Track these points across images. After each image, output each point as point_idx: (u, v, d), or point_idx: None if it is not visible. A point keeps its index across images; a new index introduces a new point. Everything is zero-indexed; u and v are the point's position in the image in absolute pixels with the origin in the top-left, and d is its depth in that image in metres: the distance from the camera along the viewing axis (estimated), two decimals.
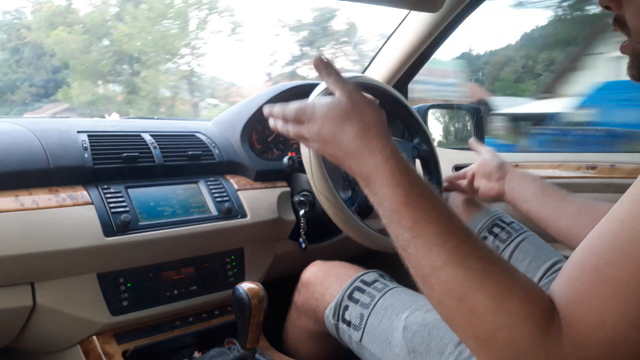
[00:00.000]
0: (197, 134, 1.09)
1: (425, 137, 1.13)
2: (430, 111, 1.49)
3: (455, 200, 1.10)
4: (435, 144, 1.17)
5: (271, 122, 0.73)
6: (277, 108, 0.70)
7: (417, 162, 1.13)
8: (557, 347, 0.39)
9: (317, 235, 1.15)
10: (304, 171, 0.92)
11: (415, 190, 0.51)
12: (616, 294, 0.37)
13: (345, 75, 1.01)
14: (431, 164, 1.12)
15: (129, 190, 0.90)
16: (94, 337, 0.85)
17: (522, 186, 0.95)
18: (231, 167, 1.07)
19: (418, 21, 1.30)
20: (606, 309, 0.37)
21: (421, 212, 0.49)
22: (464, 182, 1.09)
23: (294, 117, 0.66)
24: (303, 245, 1.06)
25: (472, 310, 0.42)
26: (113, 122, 1.10)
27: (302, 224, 1.04)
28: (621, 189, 0.42)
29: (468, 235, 0.47)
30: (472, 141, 1.12)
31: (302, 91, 1.12)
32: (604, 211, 0.41)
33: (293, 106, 0.66)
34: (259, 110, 1.14)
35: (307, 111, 0.64)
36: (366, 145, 0.56)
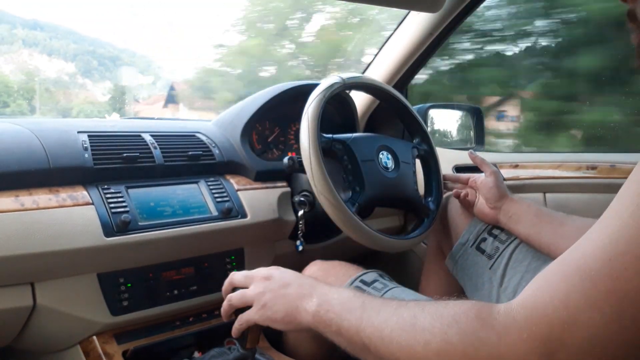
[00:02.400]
0: (197, 134, 1.09)
1: (425, 137, 1.13)
2: (431, 111, 1.49)
3: (455, 201, 1.10)
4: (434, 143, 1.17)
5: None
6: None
7: (417, 162, 1.13)
8: (507, 323, 0.43)
9: (317, 236, 1.15)
10: (304, 171, 0.92)
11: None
12: (584, 280, 0.40)
13: (346, 75, 1.01)
14: (431, 164, 1.12)
15: (129, 191, 0.90)
16: (94, 337, 0.85)
17: (519, 216, 0.95)
18: (231, 167, 1.07)
19: (418, 21, 1.30)
20: (571, 292, 0.41)
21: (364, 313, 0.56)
22: (462, 190, 1.08)
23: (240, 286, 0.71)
24: (300, 249, 1.06)
25: (423, 328, 0.49)
26: (113, 122, 1.10)
27: (300, 225, 1.04)
28: None
29: (398, 300, 0.57)
30: (475, 157, 1.08)
31: (301, 91, 1.12)
32: None
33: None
34: (259, 111, 1.14)
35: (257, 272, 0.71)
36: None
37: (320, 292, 0.63)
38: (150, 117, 1.37)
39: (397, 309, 0.53)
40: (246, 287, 0.70)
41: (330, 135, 0.98)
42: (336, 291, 0.62)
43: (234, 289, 0.72)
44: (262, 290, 0.68)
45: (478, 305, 0.47)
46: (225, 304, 0.72)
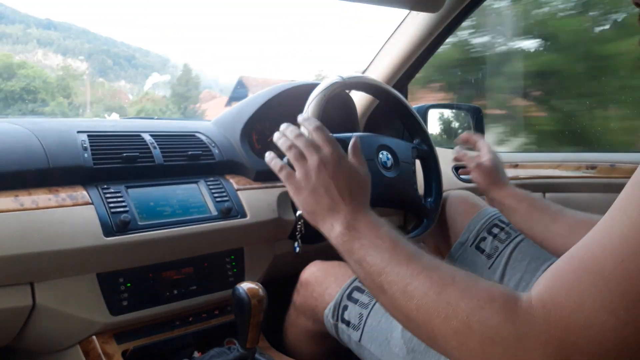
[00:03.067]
0: (196, 134, 1.09)
1: (425, 138, 1.13)
2: (430, 111, 1.49)
3: (454, 200, 1.10)
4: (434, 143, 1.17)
5: (275, 134, 0.76)
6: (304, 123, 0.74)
7: (417, 162, 1.13)
8: (527, 324, 0.42)
9: (316, 236, 1.15)
10: None
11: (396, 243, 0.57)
12: (598, 282, 0.39)
13: (347, 74, 1.01)
14: (431, 165, 1.12)
15: (129, 190, 0.90)
16: (94, 337, 0.85)
17: (512, 208, 0.95)
18: (231, 167, 1.07)
19: (418, 21, 1.30)
20: (586, 295, 0.40)
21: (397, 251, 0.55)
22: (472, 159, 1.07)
23: (310, 138, 0.70)
24: (297, 250, 1.06)
25: (448, 301, 0.47)
26: (113, 122, 1.10)
27: (299, 226, 1.03)
28: (621, 189, 0.44)
29: (433, 257, 0.55)
30: (467, 136, 1.08)
31: (301, 92, 1.12)
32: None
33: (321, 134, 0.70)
34: (259, 110, 1.14)
35: (332, 142, 0.69)
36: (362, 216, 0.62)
37: (353, 218, 0.61)
38: (149, 117, 1.36)
39: (427, 268, 0.51)
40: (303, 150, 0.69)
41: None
42: (367, 220, 0.60)
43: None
44: (309, 174, 0.67)
45: (505, 295, 0.45)
46: (283, 136, 0.73)
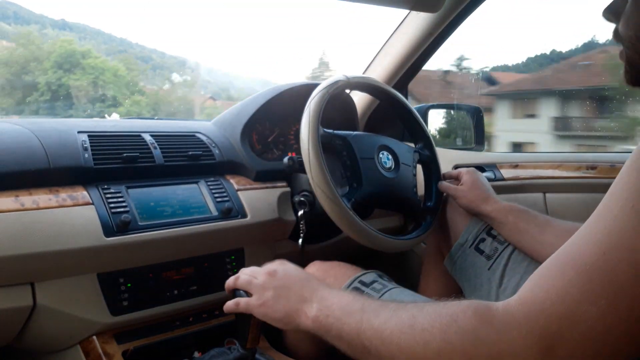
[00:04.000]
0: (197, 134, 1.09)
1: (428, 142, 1.13)
2: (431, 111, 1.49)
3: (454, 202, 1.10)
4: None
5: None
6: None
7: (419, 167, 1.13)
8: (505, 319, 0.44)
9: (316, 236, 1.15)
10: (304, 171, 0.92)
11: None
12: (580, 274, 0.41)
13: (346, 75, 1.01)
14: (432, 170, 1.12)
15: (129, 191, 0.90)
16: (94, 337, 0.85)
17: (501, 223, 0.97)
18: (231, 167, 1.07)
19: (418, 21, 1.30)
20: (568, 287, 0.41)
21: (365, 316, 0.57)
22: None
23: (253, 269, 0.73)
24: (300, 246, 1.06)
25: (423, 328, 0.49)
26: (113, 122, 1.10)
27: (301, 226, 1.04)
28: None
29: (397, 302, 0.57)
30: (448, 174, 1.12)
31: (301, 92, 1.12)
32: None
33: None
34: (259, 111, 1.14)
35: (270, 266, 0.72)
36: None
37: (321, 297, 0.63)
38: (149, 117, 1.36)
39: (396, 310, 0.53)
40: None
41: (331, 131, 0.98)
42: (336, 295, 0.62)
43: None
44: (264, 285, 0.68)
45: (475, 304, 0.47)
46: (230, 279, 0.74)
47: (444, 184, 1.08)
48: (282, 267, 0.71)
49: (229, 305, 0.72)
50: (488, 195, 1.01)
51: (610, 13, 0.51)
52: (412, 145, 1.15)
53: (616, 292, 0.39)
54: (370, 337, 0.54)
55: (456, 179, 1.10)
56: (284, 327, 0.66)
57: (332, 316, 0.59)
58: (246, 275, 0.72)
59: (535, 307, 0.43)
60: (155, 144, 0.99)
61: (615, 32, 0.51)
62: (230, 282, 0.74)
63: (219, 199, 0.98)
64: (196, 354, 0.93)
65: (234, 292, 0.74)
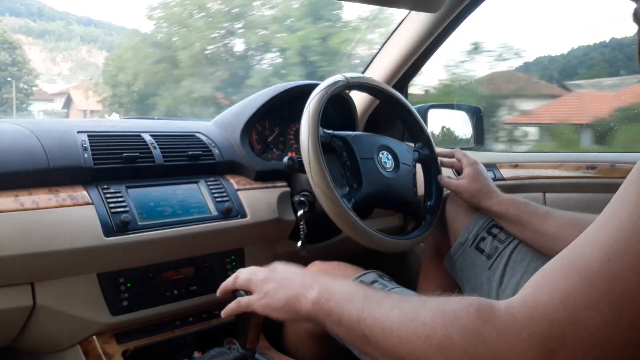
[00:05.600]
0: (197, 134, 1.09)
1: (428, 142, 1.13)
2: (430, 111, 1.49)
3: (454, 200, 1.10)
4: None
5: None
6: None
7: (418, 166, 1.13)
8: (507, 321, 0.44)
9: (316, 236, 1.15)
10: (303, 171, 0.92)
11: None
12: (584, 280, 0.40)
13: (350, 74, 1.01)
14: (432, 169, 1.12)
15: (129, 190, 0.90)
16: (94, 337, 0.85)
17: (499, 217, 0.98)
18: (231, 167, 1.07)
19: (418, 21, 1.30)
20: (571, 292, 0.41)
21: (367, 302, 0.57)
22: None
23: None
24: (304, 249, 1.05)
25: (424, 322, 0.48)
26: (113, 122, 1.10)
27: (301, 226, 1.04)
28: None
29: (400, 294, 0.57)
30: (448, 152, 1.13)
31: (301, 92, 1.12)
32: (587, 222, 0.45)
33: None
34: (259, 110, 1.14)
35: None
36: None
37: (322, 283, 0.63)
38: (150, 117, 1.36)
39: (399, 302, 0.53)
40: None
41: (330, 131, 0.98)
42: (338, 282, 0.62)
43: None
44: (265, 279, 0.68)
45: (479, 302, 0.47)
46: (229, 280, 0.73)
47: (445, 180, 1.08)
48: (281, 265, 0.71)
49: (230, 307, 0.71)
50: (490, 189, 1.01)
51: None
52: (412, 144, 1.15)
53: (620, 299, 0.39)
54: (371, 326, 0.53)
55: (452, 158, 1.11)
56: (285, 316, 0.65)
57: (332, 300, 0.59)
58: (246, 274, 0.72)
59: (538, 311, 0.42)
60: (155, 144, 0.99)
61: (635, 13, 0.49)
62: (229, 283, 0.73)
63: (218, 199, 0.98)
64: (196, 354, 0.93)
65: (233, 293, 0.74)
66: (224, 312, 0.72)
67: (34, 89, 21.57)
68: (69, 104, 20.32)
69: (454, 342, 0.46)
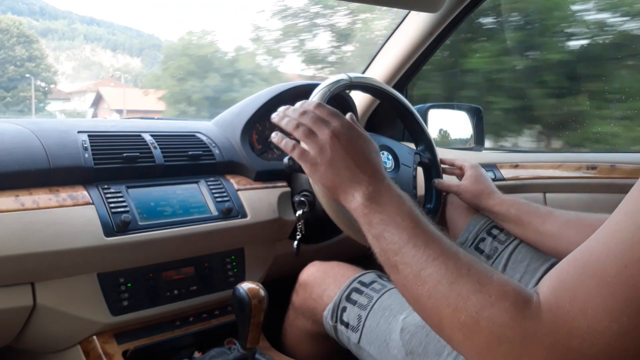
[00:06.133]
0: (197, 134, 1.09)
1: (429, 145, 1.13)
2: (430, 111, 1.49)
3: (454, 201, 1.10)
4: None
5: (275, 115, 0.73)
6: (297, 104, 0.72)
7: (419, 169, 1.13)
8: (534, 326, 0.42)
9: (316, 236, 1.15)
10: (303, 171, 0.92)
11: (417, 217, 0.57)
12: (602, 287, 0.39)
13: (353, 74, 1.01)
14: (432, 173, 1.12)
15: (129, 190, 0.90)
16: (94, 337, 0.85)
17: (500, 217, 0.99)
18: (231, 167, 1.07)
19: (418, 21, 1.30)
20: (589, 300, 0.39)
21: (417, 228, 0.55)
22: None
23: (316, 114, 0.68)
24: (296, 251, 1.05)
25: (459, 293, 0.46)
26: (113, 122, 1.10)
27: (299, 226, 1.03)
28: (622, 189, 0.44)
29: (452, 243, 0.53)
30: (449, 162, 1.14)
31: (302, 91, 1.12)
32: (588, 221, 0.44)
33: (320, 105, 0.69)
34: (259, 110, 1.14)
35: (338, 114, 0.67)
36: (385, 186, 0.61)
37: (374, 189, 0.60)
38: (150, 117, 1.36)
39: (444, 253, 0.50)
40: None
41: None
42: (392, 196, 0.59)
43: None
44: (323, 148, 0.65)
45: (515, 295, 0.45)
46: (285, 117, 0.71)
47: (445, 183, 1.08)
48: (348, 134, 0.66)
49: (286, 143, 0.70)
50: (491, 190, 1.01)
51: None
52: (413, 146, 1.15)
53: (639, 309, 0.37)
54: (407, 264, 0.51)
55: (455, 167, 1.11)
56: (326, 194, 0.64)
57: (381, 214, 0.56)
58: (305, 125, 0.67)
59: (561, 318, 0.41)
60: (156, 144, 0.99)
61: None
62: (288, 147, 0.70)
63: (219, 199, 0.98)
64: (196, 354, 0.93)
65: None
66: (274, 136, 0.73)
67: (52, 86, 19.82)
68: (98, 102, 18.56)
69: (480, 327, 0.44)
